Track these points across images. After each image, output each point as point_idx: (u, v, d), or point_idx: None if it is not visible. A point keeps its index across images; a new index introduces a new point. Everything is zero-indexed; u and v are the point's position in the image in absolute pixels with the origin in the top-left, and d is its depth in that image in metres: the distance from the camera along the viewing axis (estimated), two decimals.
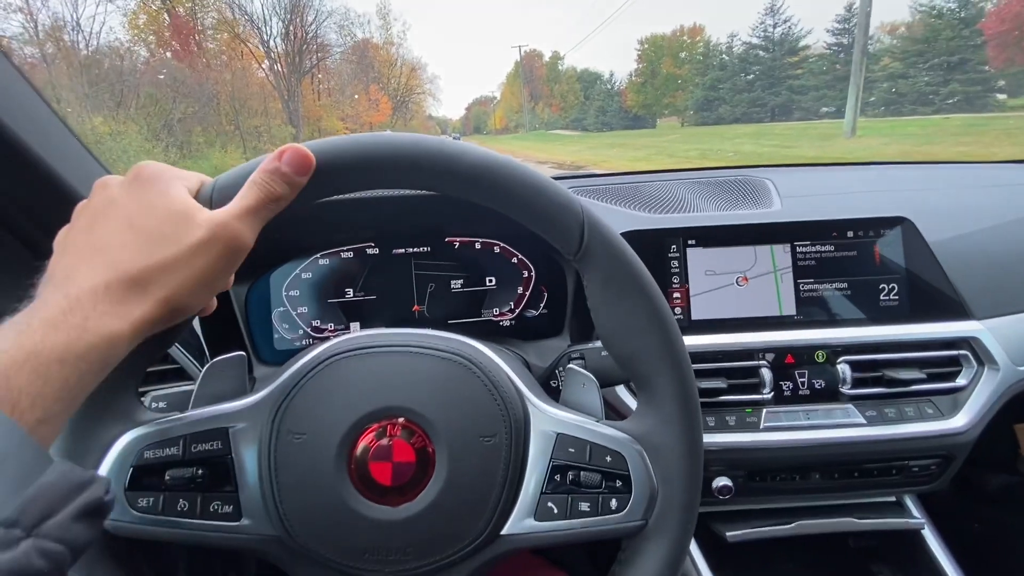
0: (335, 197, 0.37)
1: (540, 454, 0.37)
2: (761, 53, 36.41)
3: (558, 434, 0.38)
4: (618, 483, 0.37)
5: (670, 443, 0.38)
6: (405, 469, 0.35)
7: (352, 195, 0.40)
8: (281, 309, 0.67)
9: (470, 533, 0.35)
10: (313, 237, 0.67)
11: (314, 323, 0.68)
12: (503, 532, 0.36)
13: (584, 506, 0.36)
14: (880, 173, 0.88)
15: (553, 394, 0.44)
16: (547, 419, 0.38)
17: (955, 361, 0.63)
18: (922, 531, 0.64)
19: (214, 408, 0.37)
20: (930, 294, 0.65)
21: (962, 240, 0.67)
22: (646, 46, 48.80)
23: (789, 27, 35.43)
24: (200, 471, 0.35)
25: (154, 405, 0.44)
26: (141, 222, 0.30)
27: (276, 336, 0.67)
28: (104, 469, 0.34)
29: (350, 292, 0.69)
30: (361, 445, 0.35)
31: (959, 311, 0.64)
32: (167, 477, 0.34)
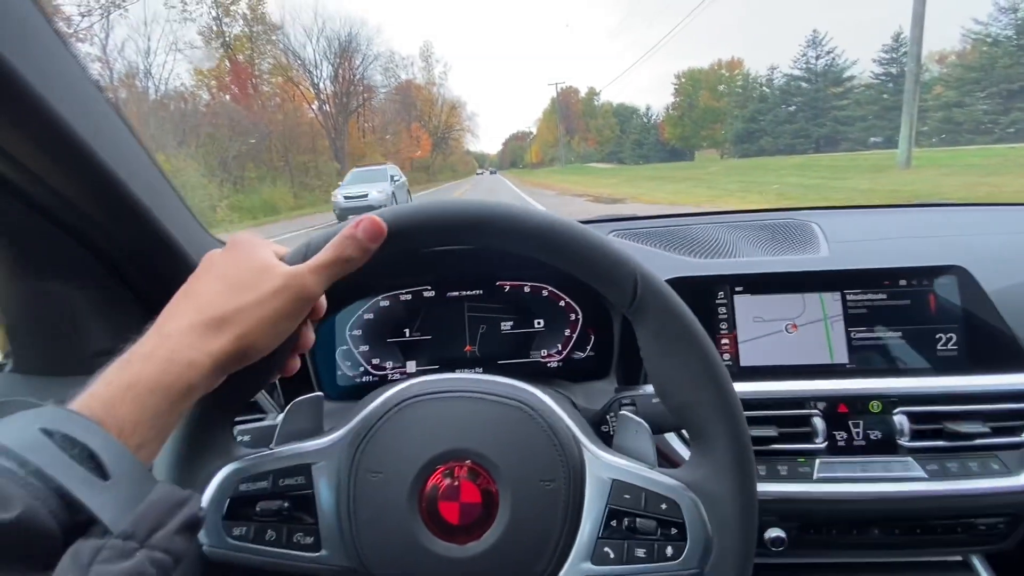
0: None
1: (596, 499, 0.39)
2: (803, 84, 36.00)
3: (614, 480, 0.39)
4: (673, 531, 0.38)
5: (725, 492, 0.39)
6: (471, 509, 0.37)
7: None
8: (344, 347, 0.72)
9: (531, 574, 0.37)
10: (375, 280, 0.72)
11: (374, 361, 0.72)
12: (561, 575, 0.38)
13: (640, 552, 0.38)
14: (930, 216, 0.87)
15: (604, 439, 0.46)
16: (603, 465, 0.40)
17: (1020, 414, 0.61)
18: None
19: (298, 445, 0.40)
20: (990, 344, 0.63)
21: (1021, 287, 0.65)
22: (683, 80, 49.54)
23: (832, 58, 35.00)
24: (286, 504, 0.38)
25: (239, 438, 0.48)
26: (230, 274, 0.36)
27: (339, 373, 0.72)
28: (206, 499, 0.38)
29: (407, 332, 0.73)
30: (431, 484, 0.38)
31: (1021, 362, 0.62)
32: (258, 508, 0.38)
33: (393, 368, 0.72)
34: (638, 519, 0.38)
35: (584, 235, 0.40)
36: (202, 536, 0.37)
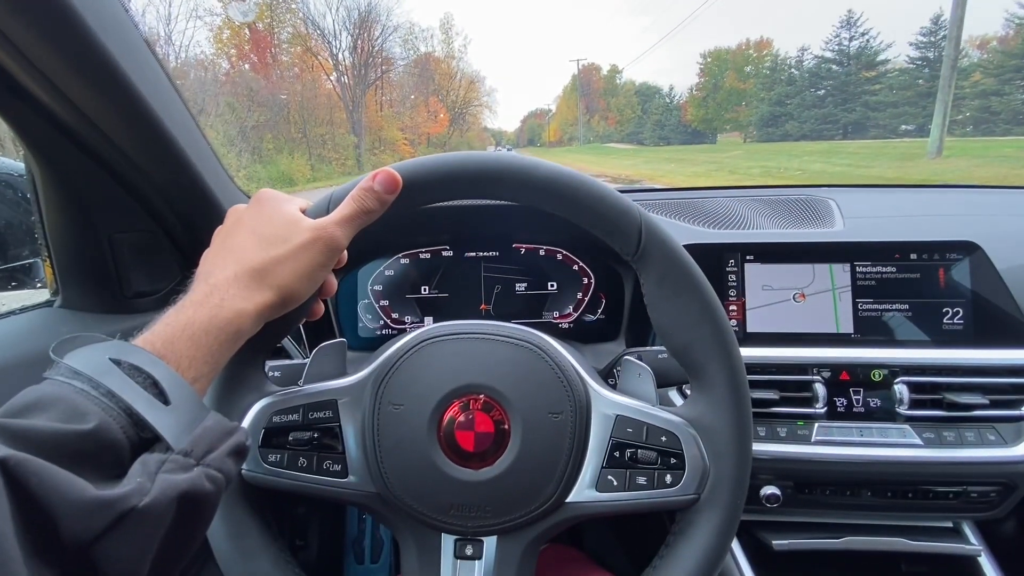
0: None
1: (601, 433, 0.42)
2: (834, 67, 34.54)
3: (617, 415, 0.42)
4: (672, 461, 0.41)
5: (721, 425, 0.41)
6: (485, 438, 0.41)
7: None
8: (365, 301, 0.76)
9: (539, 498, 0.40)
10: (396, 239, 0.75)
11: (393, 315, 0.76)
12: (568, 500, 0.41)
13: (641, 480, 0.41)
14: (947, 196, 0.87)
15: (610, 387, 0.48)
16: (607, 402, 0.43)
17: (1020, 388, 0.62)
18: (979, 559, 0.63)
19: (325, 384, 0.43)
20: (997, 320, 0.64)
21: None
22: (709, 60, 47.63)
23: (867, 40, 33.46)
24: (315, 435, 0.42)
25: (270, 375, 0.52)
26: (261, 230, 0.38)
27: (360, 325, 0.76)
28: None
29: (425, 289, 0.76)
30: (448, 416, 0.41)
31: None
32: (290, 438, 0.41)
33: (411, 323, 0.76)
34: (640, 450, 0.41)
35: (592, 185, 0.42)
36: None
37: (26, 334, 0.58)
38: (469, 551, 0.41)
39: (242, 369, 0.41)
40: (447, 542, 0.41)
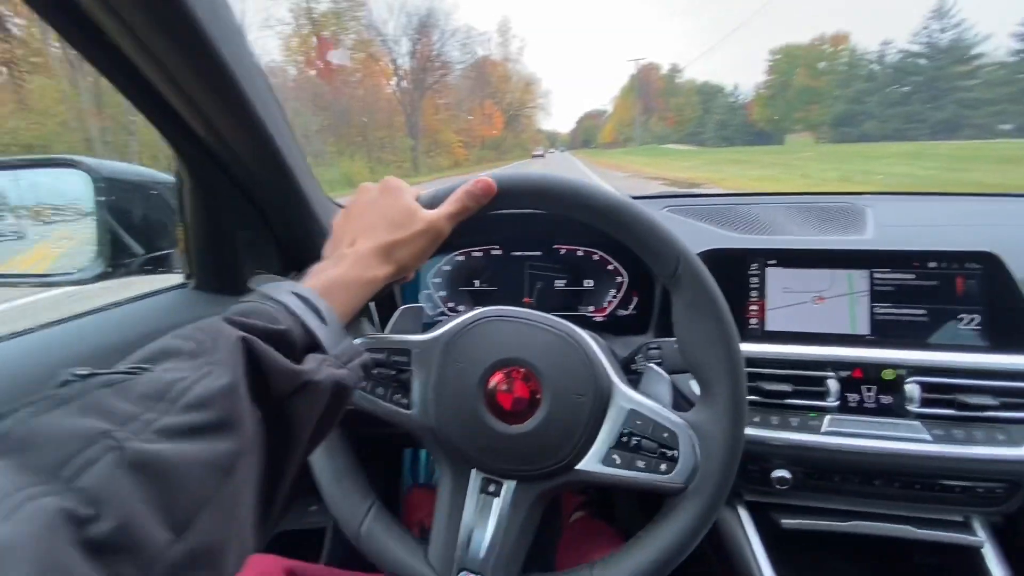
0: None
1: (615, 419, 0.51)
2: (922, 62, 31.68)
3: (631, 409, 0.51)
4: (670, 453, 0.50)
5: (717, 434, 0.50)
6: (520, 402, 0.51)
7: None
8: (426, 291, 0.88)
9: (554, 459, 0.50)
10: (454, 238, 0.87)
11: (449, 304, 0.88)
12: (577, 467, 0.50)
13: (640, 463, 0.50)
14: (984, 206, 0.88)
15: (631, 376, 0.57)
16: (625, 397, 0.52)
17: None
18: (982, 550, 0.66)
19: (406, 336, 0.55)
20: (1012, 327, 0.67)
21: None
22: (778, 56, 45.17)
23: (960, 32, 30.67)
24: (393, 373, 0.54)
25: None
26: (389, 214, 0.50)
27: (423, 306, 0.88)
28: None
29: (477, 283, 0.87)
30: (494, 380, 0.52)
31: None
32: (375, 371, 0.54)
33: (464, 311, 0.87)
34: (644, 440, 0.50)
35: (643, 216, 0.51)
36: None
37: (167, 309, 0.74)
38: (491, 488, 0.52)
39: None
40: (475, 478, 0.52)
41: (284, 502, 0.36)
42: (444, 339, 0.54)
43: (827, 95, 40.74)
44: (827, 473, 0.69)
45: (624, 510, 1.05)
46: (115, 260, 0.68)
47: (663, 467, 0.50)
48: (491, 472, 0.52)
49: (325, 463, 0.54)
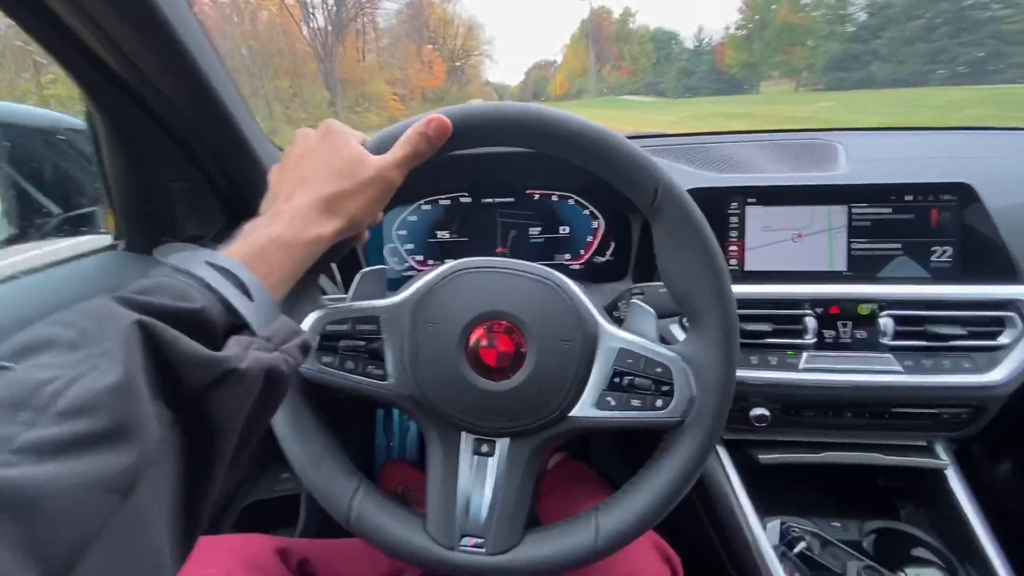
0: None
1: (604, 361, 0.48)
2: None
3: (620, 348, 0.48)
4: (664, 388, 0.48)
5: (711, 363, 0.48)
6: (505, 356, 0.47)
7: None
8: (391, 245, 0.82)
9: (547, 410, 0.48)
10: (418, 186, 0.80)
11: (416, 258, 0.82)
12: (571, 414, 0.48)
13: (636, 403, 0.48)
14: (951, 138, 0.88)
15: (616, 322, 0.54)
16: (612, 337, 0.49)
17: (999, 321, 0.67)
18: (945, 471, 0.70)
19: (370, 302, 0.50)
20: (983, 258, 0.68)
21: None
22: None
23: None
24: (362, 343, 0.49)
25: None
26: (332, 162, 0.43)
27: (386, 267, 0.82)
28: None
29: (446, 233, 0.82)
30: (475, 336, 0.48)
31: (1012, 275, 0.67)
32: (341, 344, 0.49)
33: (433, 264, 0.82)
34: (636, 378, 0.48)
35: (616, 142, 0.46)
36: None
37: (96, 274, 0.66)
38: (484, 449, 0.49)
39: (302, 283, 0.47)
40: (467, 440, 0.49)
41: (221, 501, 0.31)
42: (414, 300, 0.49)
43: (814, 33, 35.53)
44: (803, 408, 0.70)
45: (599, 450, 1.06)
46: (24, 220, 0.59)
47: (658, 403, 0.48)
48: (482, 433, 0.49)
49: (299, 448, 0.49)
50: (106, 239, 0.71)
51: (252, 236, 0.38)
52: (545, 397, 0.48)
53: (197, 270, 0.33)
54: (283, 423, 0.48)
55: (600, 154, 0.46)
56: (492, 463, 0.49)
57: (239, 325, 0.33)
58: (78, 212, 0.72)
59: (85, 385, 0.22)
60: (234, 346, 0.31)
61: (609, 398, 0.48)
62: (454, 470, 0.49)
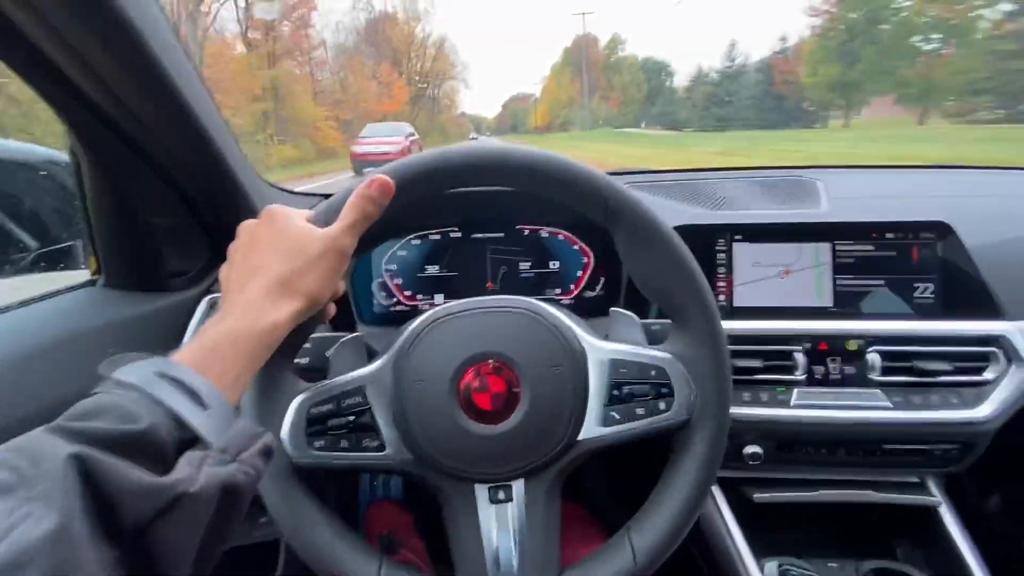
0: None
1: (599, 377, 0.48)
2: None
3: (611, 359, 0.48)
4: (663, 390, 0.47)
5: (702, 354, 0.48)
6: (499, 397, 0.46)
7: None
8: (379, 280, 0.81)
9: (553, 440, 0.46)
10: (407, 221, 0.80)
11: (405, 293, 0.81)
12: (579, 438, 0.47)
13: (639, 411, 0.47)
14: (929, 177, 0.91)
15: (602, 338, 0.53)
16: (600, 350, 0.48)
17: (984, 357, 0.68)
18: (939, 509, 0.69)
19: (352, 374, 0.48)
20: (964, 294, 0.70)
21: (1003, 245, 0.71)
22: None
23: None
24: (351, 418, 0.47)
25: (298, 361, 0.56)
26: (279, 244, 0.42)
27: (375, 302, 0.81)
28: (287, 423, 0.46)
29: (436, 268, 0.81)
30: (465, 383, 0.46)
31: (992, 311, 0.68)
32: (329, 424, 0.46)
33: (423, 300, 0.81)
34: (635, 386, 0.47)
35: (562, 163, 0.47)
36: (291, 451, 0.45)
37: (74, 311, 0.64)
38: (501, 496, 0.47)
39: (275, 372, 0.46)
40: (481, 491, 0.47)
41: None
42: (395, 361, 0.48)
43: (969, 35, 20.29)
44: (795, 445, 0.70)
45: (591, 487, 1.04)
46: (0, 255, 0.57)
47: (661, 406, 0.47)
48: (495, 480, 0.47)
49: (308, 539, 0.46)
50: (85, 275, 0.69)
51: (203, 335, 0.37)
52: (549, 428, 0.47)
53: (144, 384, 0.31)
54: (284, 517, 0.45)
55: (548, 177, 0.47)
56: (512, 508, 0.47)
57: (192, 439, 0.32)
58: (57, 247, 0.70)
59: (17, 538, 0.21)
60: (185, 466, 0.29)
61: (613, 412, 0.47)
62: (475, 525, 0.47)
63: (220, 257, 0.73)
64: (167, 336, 0.65)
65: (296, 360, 0.53)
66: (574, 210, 0.48)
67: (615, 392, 0.47)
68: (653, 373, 0.47)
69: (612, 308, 0.55)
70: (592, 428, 0.47)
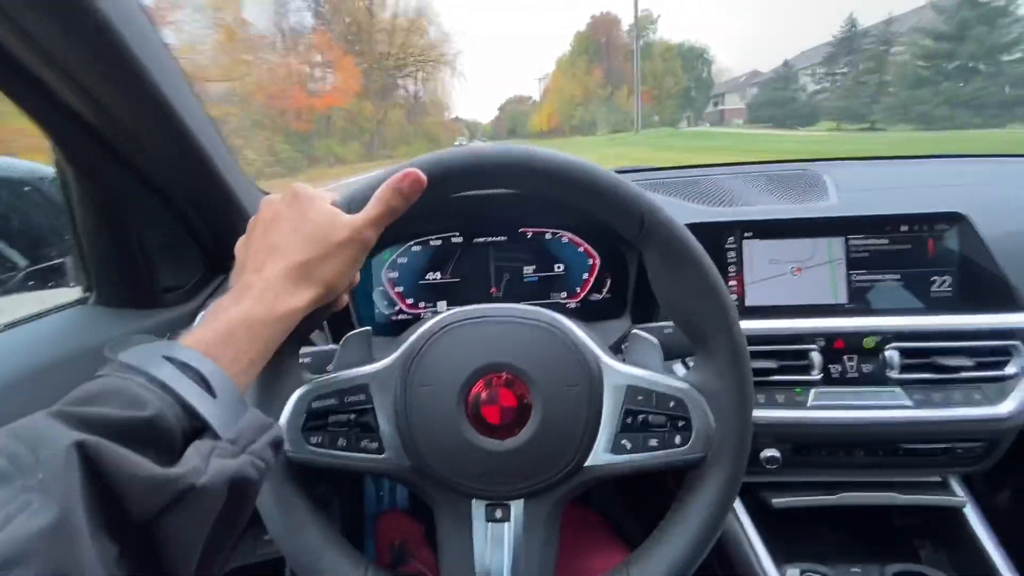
0: None
1: (614, 401, 0.45)
2: None
3: (628, 385, 0.46)
4: (680, 423, 0.45)
5: (724, 389, 0.45)
6: (509, 411, 0.44)
7: None
8: (380, 288, 0.79)
9: (560, 463, 0.44)
10: (408, 227, 0.78)
11: (407, 301, 0.79)
12: (586, 464, 0.45)
13: (653, 442, 0.45)
14: (939, 167, 0.89)
15: (619, 359, 0.51)
16: (618, 374, 0.46)
17: (1005, 351, 0.66)
18: (963, 509, 0.67)
19: (357, 370, 0.46)
20: (983, 286, 0.67)
21: (1021, 235, 0.69)
22: None
23: None
24: (352, 416, 0.45)
25: (302, 361, 0.55)
26: (302, 227, 0.40)
27: (376, 311, 0.79)
28: (285, 415, 0.44)
29: (438, 275, 0.79)
30: (474, 393, 0.44)
31: (1011, 303, 0.66)
32: (329, 420, 0.45)
33: (425, 307, 0.79)
34: (650, 415, 0.45)
35: (599, 173, 0.45)
36: (286, 444, 0.44)
37: (65, 331, 0.61)
38: (498, 514, 0.45)
39: (282, 360, 0.44)
40: (478, 507, 0.45)
41: None
42: (404, 361, 0.46)
43: None
44: (814, 448, 0.68)
45: (601, 493, 1.02)
46: None
47: (677, 439, 0.45)
48: (494, 498, 0.45)
49: (295, 541, 0.44)
50: (76, 292, 0.66)
51: (218, 317, 0.35)
52: (556, 449, 0.44)
53: (152, 368, 0.30)
54: (273, 516, 0.43)
55: (586, 188, 0.44)
56: (508, 529, 0.45)
57: (202, 427, 0.30)
58: (46, 264, 0.68)
59: (13, 531, 0.20)
60: (193, 457, 0.28)
61: (624, 441, 0.45)
62: (468, 542, 0.45)
63: (215, 270, 0.71)
64: None
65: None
66: (603, 222, 0.46)
67: (628, 420, 0.45)
68: (671, 404, 0.45)
69: (634, 331, 0.52)
70: (600, 454, 0.45)
